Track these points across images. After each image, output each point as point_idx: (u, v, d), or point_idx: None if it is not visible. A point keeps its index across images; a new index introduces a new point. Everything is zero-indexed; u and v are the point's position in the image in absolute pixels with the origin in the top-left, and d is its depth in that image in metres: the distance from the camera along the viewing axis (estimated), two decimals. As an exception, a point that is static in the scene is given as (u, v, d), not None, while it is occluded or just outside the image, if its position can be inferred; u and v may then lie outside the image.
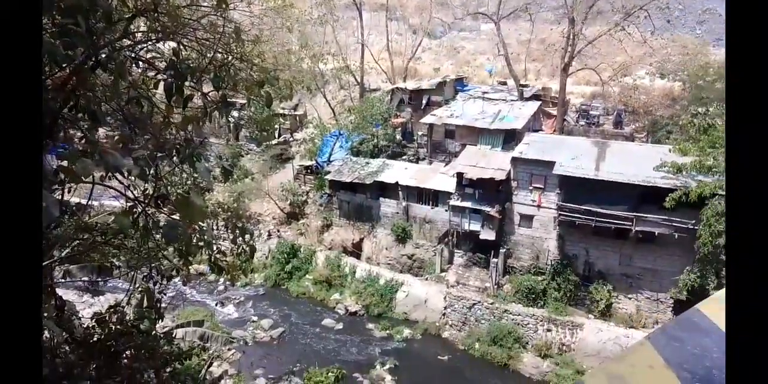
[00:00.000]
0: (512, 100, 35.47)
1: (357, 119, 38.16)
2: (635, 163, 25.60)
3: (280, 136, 45.58)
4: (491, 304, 28.05)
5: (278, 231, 37.04)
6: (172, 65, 3.74)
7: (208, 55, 4.68)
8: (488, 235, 29.12)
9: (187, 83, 3.83)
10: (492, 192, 28.97)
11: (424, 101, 39.31)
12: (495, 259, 28.94)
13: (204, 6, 5.81)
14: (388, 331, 28.78)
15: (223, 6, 4.94)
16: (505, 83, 40.52)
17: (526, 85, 38.60)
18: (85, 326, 7.70)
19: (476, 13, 44.43)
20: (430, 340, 28.37)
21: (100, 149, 3.31)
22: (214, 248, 7.23)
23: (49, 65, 3.26)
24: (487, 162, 29.43)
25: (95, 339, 7.30)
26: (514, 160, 27.89)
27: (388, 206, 33.51)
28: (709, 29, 45.40)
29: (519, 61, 43.87)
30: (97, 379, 6.66)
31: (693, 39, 43.35)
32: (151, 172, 3.44)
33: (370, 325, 29.51)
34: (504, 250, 29.32)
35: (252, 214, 37.52)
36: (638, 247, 26.12)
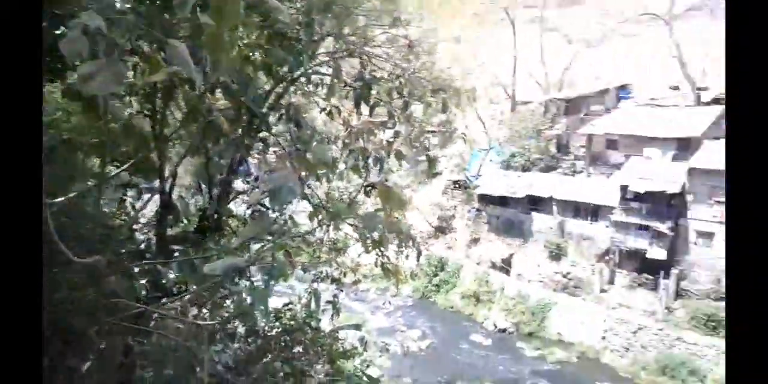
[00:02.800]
0: (687, 106, 31.78)
1: (508, 133, 37.45)
2: None
3: (429, 150, 46.41)
4: (660, 330, 25.18)
5: (426, 244, 37.57)
6: (360, 76, 4.08)
7: (387, 67, 4.99)
8: (657, 253, 26.30)
9: (373, 92, 4.15)
10: (662, 206, 26.21)
11: (582, 111, 37.12)
12: (665, 281, 26.12)
13: (380, 25, 6.26)
14: (540, 352, 27.34)
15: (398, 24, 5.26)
16: (677, 88, 36.47)
17: (704, 89, 34.34)
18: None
19: (644, 15, 41.01)
20: (587, 365, 26.32)
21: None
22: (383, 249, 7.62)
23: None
24: (657, 173, 26.65)
25: (273, 333, 8.07)
26: (692, 171, 24.94)
27: (540, 221, 32.04)
28: None
29: (695, 63, 39.24)
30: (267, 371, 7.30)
31: None
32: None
33: (521, 344, 28.29)
34: (677, 270, 26.31)
35: (401, 226, 38.68)
36: None
